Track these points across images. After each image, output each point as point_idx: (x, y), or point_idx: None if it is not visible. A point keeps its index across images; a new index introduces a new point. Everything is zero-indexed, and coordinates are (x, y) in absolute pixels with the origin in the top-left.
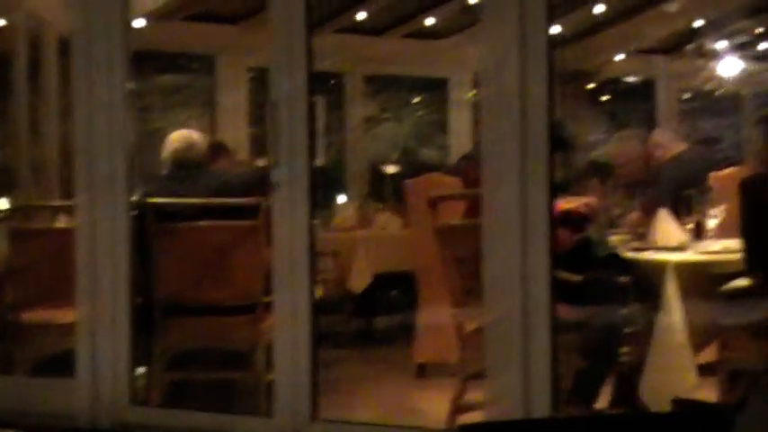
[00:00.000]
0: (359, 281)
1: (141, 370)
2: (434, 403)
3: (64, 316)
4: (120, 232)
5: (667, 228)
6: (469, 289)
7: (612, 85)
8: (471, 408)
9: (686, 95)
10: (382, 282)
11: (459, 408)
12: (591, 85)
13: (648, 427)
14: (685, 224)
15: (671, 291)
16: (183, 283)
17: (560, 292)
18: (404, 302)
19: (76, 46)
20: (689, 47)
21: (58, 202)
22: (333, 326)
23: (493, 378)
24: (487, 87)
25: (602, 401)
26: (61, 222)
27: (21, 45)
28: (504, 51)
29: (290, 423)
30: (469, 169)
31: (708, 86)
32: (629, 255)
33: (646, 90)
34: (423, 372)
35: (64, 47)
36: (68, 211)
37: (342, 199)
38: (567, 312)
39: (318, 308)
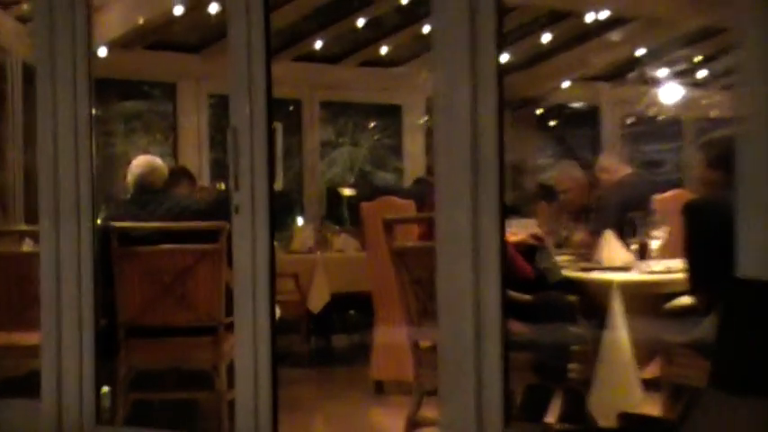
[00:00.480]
0: (317, 301)
1: (106, 390)
2: (391, 419)
3: (28, 338)
4: (83, 255)
5: (613, 249)
6: (424, 309)
7: (559, 110)
8: (427, 423)
9: (630, 121)
10: (340, 302)
11: (414, 424)
12: (539, 111)
13: None
14: (630, 245)
15: (616, 309)
16: (145, 305)
17: (512, 310)
18: (361, 322)
19: (40, 73)
20: (631, 74)
21: (23, 227)
22: (292, 345)
23: (446, 395)
24: (439, 113)
25: (552, 416)
26: (27, 247)
27: (12, 78)
28: (455, 78)
29: None
30: (423, 193)
31: (650, 112)
32: (577, 275)
33: (591, 115)
34: (380, 389)
35: (28, 74)
36: (33, 235)
37: (300, 222)
38: (518, 330)
39: (278, 328)
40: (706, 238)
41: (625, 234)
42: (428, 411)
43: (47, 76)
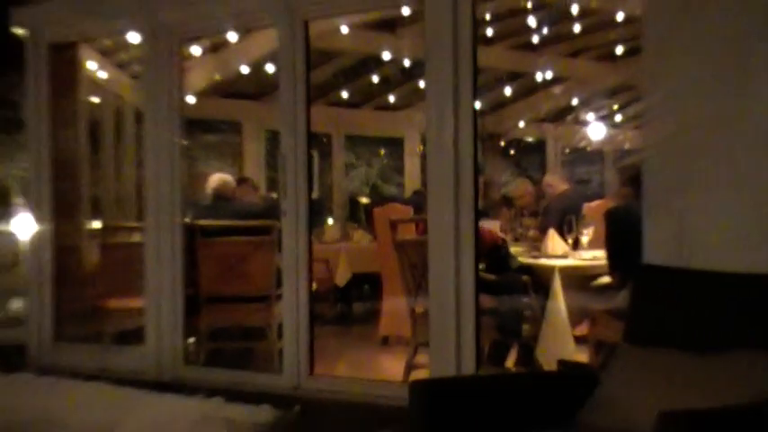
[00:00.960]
0: (342, 278)
1: (191, 340)
2: (394, 363)
3: (136, 303)
4: (175, 244)
5: (555, 242)
6: (419, 285)
7: (517, 143)
8: (420, 367)
9: (567, 150)
10: (358, 279)
11: (411, 367)
12: (502, 143)
13: (541, 381)
14: (567, 240)
15: (556, 285)
16: (218, 280)
17: (482, 287)
18: (372, 294)
19: (147, 114)
20: (568, 117)
21: (133, 224)
22: (324, 310)
23: (434, 346)
24: (431, 144)
25: (510, 363)
26: (135, 238)
27: (108, 114)
28: (443, 119)
29: (294, 378)
30: (418, 201)
31: (581, 145)
32: (529, 261)
33: (539, 147)
34: (386, 341)
35: (138, 115)
36: (140, 230)
37: (330, 221)
38: (486, 301)
39: (313, 297)
40: (620, 235)
41: (563, 231)
42: (421, 358)
43: (152, 117)
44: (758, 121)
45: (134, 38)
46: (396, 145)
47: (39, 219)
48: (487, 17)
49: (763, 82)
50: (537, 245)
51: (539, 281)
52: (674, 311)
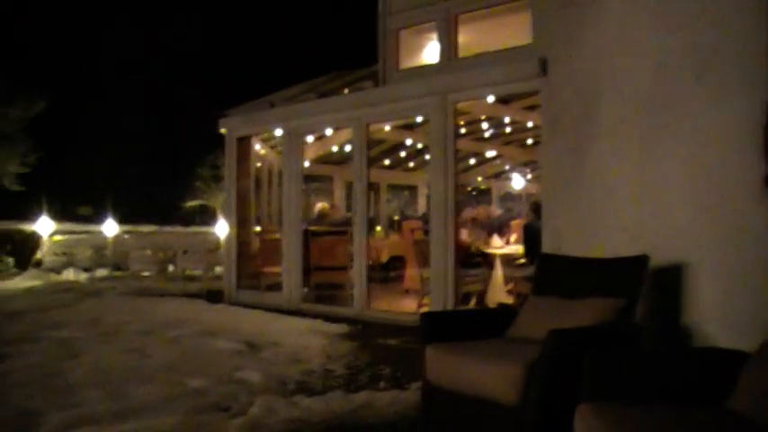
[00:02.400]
0: (384, 258)
1: (305, 289)
2: (411, 303)
3: (277, 269)
4: (298, 239)
5: (495, 241)
6: (425, 262)
7: (476, 189)
8: (425, 305)
9: (502, 193)
10: (392, 259)
11: (420, 305)
12: (469, 189)
13: (486, 313)
14: (502, 240)
15: (497, 264)
16: (319, 257)
17: (462, 264)
18: (400, 266)
19: (285, 172)
20: (503, 175)
21: (276, 229)
22: (374, 275)
23: (433, 295)
24: (433, 188)
25: (471, 304)
26: (276, 236)
27: (264, 171)
28: (440, 176)
29: (359, 309)
30: (426, 219)
31: (510, 190)
32: (484, 250)
33: (488, 191)
34: (407, 292)
35: (279, 173)
36: (279, 232)
37: (378, 228)
38: (464, 272)
39: (369, 268)
40: (530, 237)
41: (501, 235)
42: (425, 301)
43: (287, 173)
44: (591, 179)
45: (278, 133)
46: (413, 189)
47: (229, 225)
48: (462, 123)
49: (590, 159)
50: (487, 241)
51: (489, 261)
52: (556, 276)
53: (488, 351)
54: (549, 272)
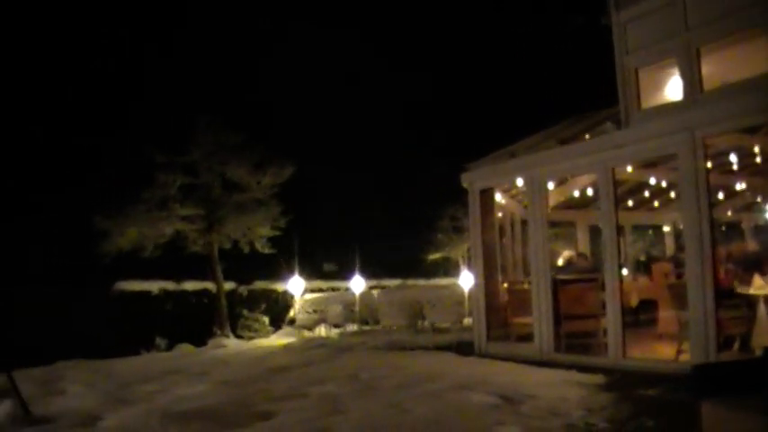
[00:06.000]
0: (633, 302)
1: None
2: (667, 349)
3: (528, 320)
4: (547, 288)
5: (757, 280)
6: (681, 305)
7: (724, 224)
8: (684, 352)
9: (752, 226)
10: (641, 302)
11: (679, 352)
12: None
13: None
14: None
15: (761, 303)
16: (569, 306)
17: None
18: (651, 310)
19: (529, 220)
20: (755, 206)
21: (523, 279)
22: (624, 319)
23: (693, 340)
24: (686, 229)
25: (736, 348)
26: (525, 286)
27: (506, 221)
28: (692, 215)
29: (614, 358)
30: (676, 260)
31: (759, 223)
32: (746, 291)
33: (736, 224)
34: (661, 337)
35: (522, 222)
36: (527, 282)
37: (624, 271)
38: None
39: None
40: None
41: (762, 273)
42: (684, 347)
43: (532, 221)
44: None
45: (519, 182)
46: (657, 229)
47: (476, 276)
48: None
49: None
50: (745, 279)
51: (748, 300)
52: None
53: None
54: None
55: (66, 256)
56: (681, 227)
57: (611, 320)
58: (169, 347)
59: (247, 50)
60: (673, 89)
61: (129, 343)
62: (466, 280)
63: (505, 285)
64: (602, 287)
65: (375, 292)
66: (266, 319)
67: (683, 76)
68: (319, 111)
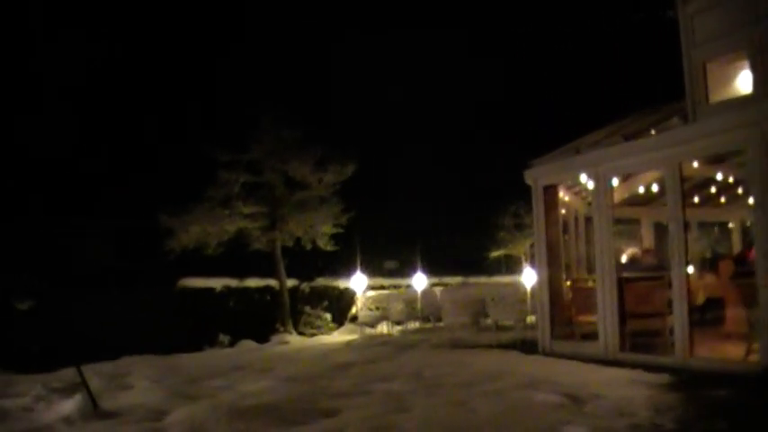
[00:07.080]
0: (699, 300)
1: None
2: (735, 349)
3: (592, 318)
4: (612, 286)
5: None
6: (750, 303)
7: None
8: (754, 352)
9: None
10: (708, 300)
11: (749, 352)
12: None
13: None
14: None
15: None
16: (635, 304)
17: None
18: (717, 308)
19: (594, 217)
20: None
21: (585, 277)
22: (690, 317)
23: (763, 341)
24: (756, 225)
25: None
26: (590, 284)
27: (570, 218)
28: (763, 209)
29: (681, 358)
30: (740, 258)
31: None
32: None
33: None
34: (728, 337)
35: (586, 218)
36: (592, 279)
37: (690, 269)
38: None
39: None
40: None
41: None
42: (755, 347)
43: (597, 218)
44: None
45: (583, 179)
46: (723, 225)
47: (539, 273)
48: None
49: None
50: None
51: None
52: None
53: None
54: None
55: (132, 253)
56: (748, 224)
57: (679, 319)
58: (232, 344)
59: (312, 48)
60: (742, 83)
61: (192, 339)
62: (528, 277)
63: (569, 283)
64: (669, 285)
65: (437, 289)
66: (328, 316)
67: (753, 69)
68: (382, 108)
